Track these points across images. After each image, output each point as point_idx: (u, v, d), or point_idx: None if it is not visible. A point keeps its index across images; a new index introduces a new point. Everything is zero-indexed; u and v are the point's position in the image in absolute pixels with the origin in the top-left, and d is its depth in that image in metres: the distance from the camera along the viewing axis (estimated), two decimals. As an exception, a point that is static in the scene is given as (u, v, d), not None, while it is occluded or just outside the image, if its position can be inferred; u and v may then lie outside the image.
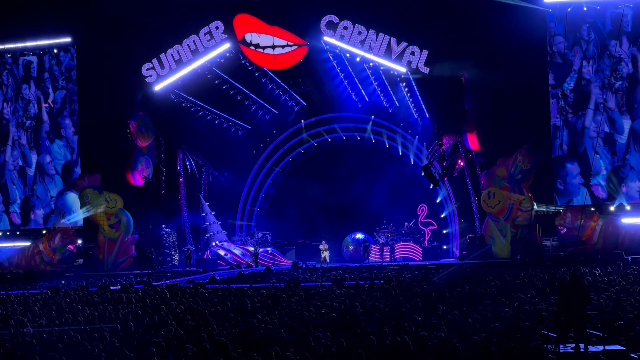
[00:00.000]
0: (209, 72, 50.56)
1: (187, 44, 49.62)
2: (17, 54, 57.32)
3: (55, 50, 56.45)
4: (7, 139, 57.52)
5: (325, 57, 49.34)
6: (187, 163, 56.45)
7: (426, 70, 46.28)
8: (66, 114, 56.57)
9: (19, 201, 57.36)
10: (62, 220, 55.06)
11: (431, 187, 51.34)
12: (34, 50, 56.97)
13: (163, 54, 49.95)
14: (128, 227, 52.80)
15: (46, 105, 56.70)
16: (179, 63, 49.91)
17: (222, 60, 50.38)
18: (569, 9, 47.57)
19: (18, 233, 57.45)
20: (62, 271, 50.27)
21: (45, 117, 56.86)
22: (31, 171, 57.08)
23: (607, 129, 48.17)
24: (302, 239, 54.15)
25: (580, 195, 48.17)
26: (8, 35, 56.18)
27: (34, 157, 56.96)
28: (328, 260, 49.97)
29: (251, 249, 51.81)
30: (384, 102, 51.59)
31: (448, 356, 17.10)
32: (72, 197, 54.39)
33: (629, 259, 40.85)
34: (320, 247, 50.54)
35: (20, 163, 57.21)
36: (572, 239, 46.58)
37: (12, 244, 56.13)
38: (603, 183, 48.05)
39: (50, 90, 56.85)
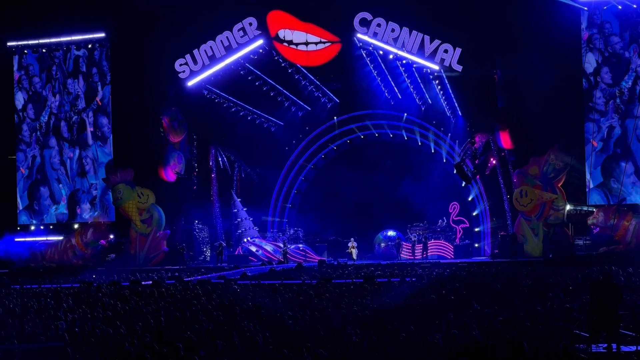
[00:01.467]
0: (242, 68, 50.70)
1: (221, 40, 49.86)
2: (62, 48, 57.81)
3: (90, 45, 56.98)
4: (50, 135, 58.10)
5: (358, 54, 49.30)
6: (220, 159, 56.56)
7: (459, 68, 46.24)
8: (109, 110, 57.03)
9: (65, 199, 57.77)
10: None
11: (463, 185, 51.19)
12: (68, 45, 57.44)
13: (196, 49, 50.22)
14: (160, 223, 53.00)
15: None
16: (212, 59, 50.14)
17: (255, 57, 50.54)
18: (605, 7, 47.37)
19: (51, 227, 57.83)
20: (94, 266, 50.55)
21: (90, 114, 57.28)
22: (75, 166, 57.47)
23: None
24: (334, 235, 54.00)
25: (635, 194, 47.75)
26: (42, 30, 56.62)
27: (76, 152, 57.42)
28: (355, 258, 49.82)
29: (281, 245, 51.87)
30: (417, 100, 51.44)
31: (479, 355, 17.04)
32: None
33: (663, 259, 40.48)
34: (349, 244, 50.44)
35: (67, 158, 57.64)
36: (604, 238, 46.25)
37: (46, 238, 56.46)
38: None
39: (99, 87, 57.30)
